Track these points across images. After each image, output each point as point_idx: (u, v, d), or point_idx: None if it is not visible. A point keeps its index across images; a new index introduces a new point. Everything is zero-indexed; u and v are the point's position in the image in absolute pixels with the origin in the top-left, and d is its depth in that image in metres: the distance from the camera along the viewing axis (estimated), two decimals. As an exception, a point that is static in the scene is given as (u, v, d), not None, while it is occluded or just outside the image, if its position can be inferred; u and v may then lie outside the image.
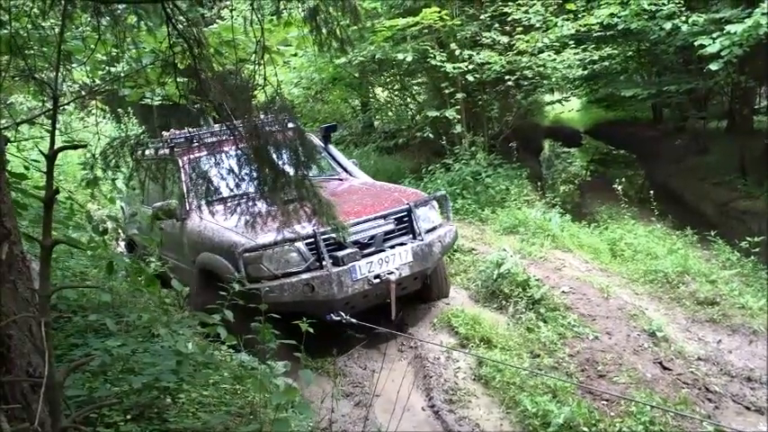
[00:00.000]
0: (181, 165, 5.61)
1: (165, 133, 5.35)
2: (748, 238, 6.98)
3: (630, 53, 12.46)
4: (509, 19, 9.66)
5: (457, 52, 9.24)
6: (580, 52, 9.52)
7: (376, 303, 5.34)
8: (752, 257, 6.93)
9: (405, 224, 5.53)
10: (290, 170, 3.00)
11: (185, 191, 5.44)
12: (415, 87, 12.89)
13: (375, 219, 5.38)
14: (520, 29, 9.59)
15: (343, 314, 4.80)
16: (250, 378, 3.77)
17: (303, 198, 3.38)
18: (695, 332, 5.50)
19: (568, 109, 18.08)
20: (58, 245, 1.74)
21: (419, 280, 5.61)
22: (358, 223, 5.21)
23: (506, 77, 9.63)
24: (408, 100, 12.28)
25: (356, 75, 11.48)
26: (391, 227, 5.44)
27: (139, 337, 3.81)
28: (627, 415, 4.11)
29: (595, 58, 9.55)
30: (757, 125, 13.36)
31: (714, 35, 7.89)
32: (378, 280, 5.07)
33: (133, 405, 3.22)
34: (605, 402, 4.35)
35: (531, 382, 4.50)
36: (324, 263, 4.91)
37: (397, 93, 12.73)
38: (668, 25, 8.72)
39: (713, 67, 7.85)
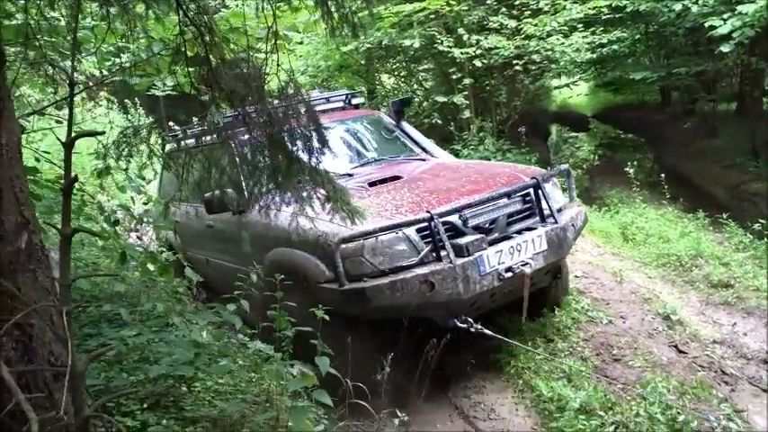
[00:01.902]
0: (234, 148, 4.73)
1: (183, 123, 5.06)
2: (761, 220, 6.92)
3: (638, 36, 12.31)
4: (516, 2, 9.57)
5: (465, 37, 9.18)
6: (589, 35, 9.43)
7: (501, 304, 4.60)
8: (765, 239, 6.88)
9: (528, 205, 4.61)
10: (305, 156, 2.94)
11: (242, 178, 4.02)
12: (422, 74, 12.81)
13: (498, 197, 4.39)
14: (528, 13, 9.51)
15: (470, 320, 4.11)
16: (266, 366, 3.77)
17: (317, 184, 3.36)
18: (710, 315, 5.48)
19: (576, 93, 17.97)
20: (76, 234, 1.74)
21: (550, 274, 4.75)
22: (476, 204, 4.26)
23: (514, 62, 9.57)
24: (415, 86, 12.21)
25: (363, 62, 11.42)
26: (517, 207, 4.52)
27: (154, 327, 3.81)
28: (643, 399, 4.09)
29: (604, 41, 9.46)
30: (767, 107, 13.25)
31: (725, 16, 7.80)
32: (510, 274, 4.15)
33: (149, 394, 3.23)
34: (621, 386, 4.33)
35: (546, 367, 4.49)
36: (444, 253, 3.97)
37: (403, 79, 12.66)
38: (678, 6, 8.64)
39: (724, 48, 7.77)
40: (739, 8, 7.43)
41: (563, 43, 9.17)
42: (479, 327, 4.11)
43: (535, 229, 4.41)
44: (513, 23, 9.38)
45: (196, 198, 5.30)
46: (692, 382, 4.32)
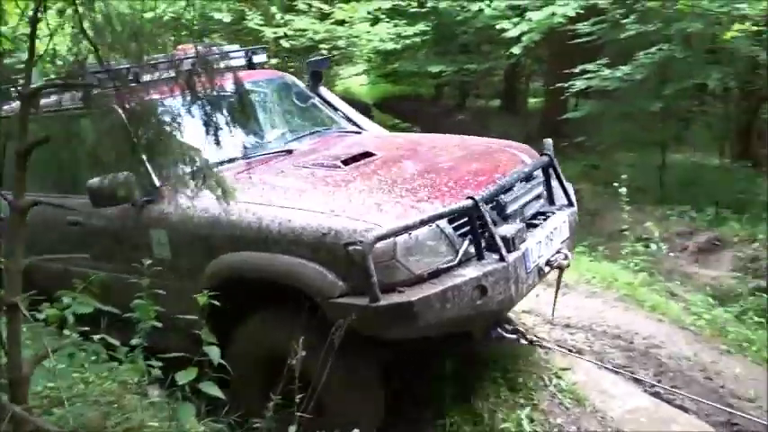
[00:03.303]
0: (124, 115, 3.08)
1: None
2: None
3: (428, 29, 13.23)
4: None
5: (278, 16, 9.03)
6: (392, 27, 9.88)
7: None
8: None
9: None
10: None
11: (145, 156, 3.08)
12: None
13: (524, 178, 3.68)
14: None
15: (520, 328, 3.53)
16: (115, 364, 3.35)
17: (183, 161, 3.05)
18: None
19: (359, 83, 18.67)
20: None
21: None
22: (508, 187, 3.49)
23: (320, 46, 9.65)
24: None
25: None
26: (540, 190, 3.83)
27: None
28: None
29: (409, 33, 9.98)
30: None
31: (514, 20, 8.73)
32: (548, 268, 3.51)
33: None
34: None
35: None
36: (492, 248, 3.14)
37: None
38: (475, 7, 9.44)
39: (515, 50, 8.68)
40: (528, 14, 8.36)
41: (369, 32, 9.48)
42: (535, 337, 3.53)
43: (552, 213, 3.77)
44: (325, 6, 9.47)
45: (44, 187, 3.90)
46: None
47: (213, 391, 2.87)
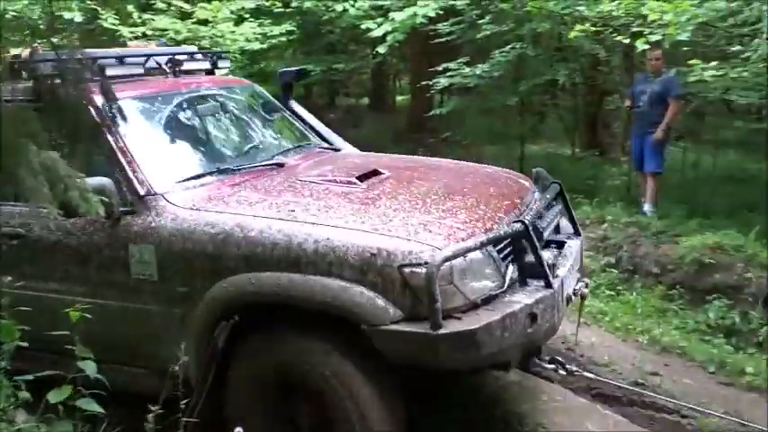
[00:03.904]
0: (104, 113, 3.18)
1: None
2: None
3: (294, 29, 13.25)
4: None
5: (135, 15, 8.66)
6: (257, 27, 9.78)
7: None
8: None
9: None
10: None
11: (128, 161, 3.12)
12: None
13: (552, 204, 3.65)
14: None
15: (559, 358, 3.33)
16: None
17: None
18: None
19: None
20: None
21: None
22: (541, 212, 3.45)
23: (183, 45, 9.36)
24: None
25: None
26: (558, 218, 3.76)
27: None
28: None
29: (275, 33, 9.92)
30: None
31: (378, 20, 8.95)
32: (574, 297, 3.44)
33: None
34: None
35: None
36: (535, 274, 2.98)
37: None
38: (340, 7, 9.57)
39: (381, 50, 8.92)
40: (391, 15, 8.61)
41: (233, 32, 9.35)
42: (574, 368, 3.38)
43: (563, 242, 3.65)
44: (182, 4, 9.21)
45: None
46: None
47: (91, 407, 2.77)
